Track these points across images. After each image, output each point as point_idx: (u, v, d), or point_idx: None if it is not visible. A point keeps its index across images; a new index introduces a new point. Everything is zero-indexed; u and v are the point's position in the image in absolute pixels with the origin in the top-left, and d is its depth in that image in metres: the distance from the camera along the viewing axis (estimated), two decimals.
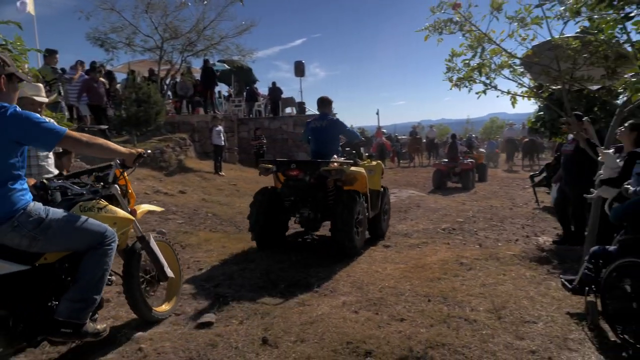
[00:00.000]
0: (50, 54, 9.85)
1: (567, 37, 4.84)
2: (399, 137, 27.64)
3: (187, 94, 16.70)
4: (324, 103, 6.68)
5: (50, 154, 4.08)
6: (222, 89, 22.76)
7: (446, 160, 14.66)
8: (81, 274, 2.83)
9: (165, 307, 3.93)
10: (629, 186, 4.09)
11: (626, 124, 4.56)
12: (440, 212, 9.45)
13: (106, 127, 11.27)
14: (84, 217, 2.86)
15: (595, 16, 3.86)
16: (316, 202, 5.95)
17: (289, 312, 4.00)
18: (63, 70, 12.25)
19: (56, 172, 4.02)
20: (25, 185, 2.67)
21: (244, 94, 20.83)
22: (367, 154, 7.21)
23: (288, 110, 21.52)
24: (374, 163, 6.93)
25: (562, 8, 4.20)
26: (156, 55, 15.42)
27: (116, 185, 3.34)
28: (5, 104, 2.52)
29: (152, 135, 12.66)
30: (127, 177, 3.57)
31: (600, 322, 3.70)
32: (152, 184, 9.64)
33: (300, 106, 20.92)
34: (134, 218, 3.46)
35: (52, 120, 2.87)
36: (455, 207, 10.20)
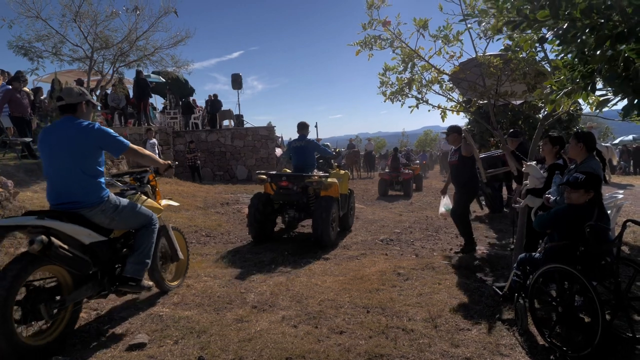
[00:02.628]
0: None
1: (490, 55, 5.11)
2: (340, 150, 28.20)
3: (119, 105, 16.09)
4: (302, 126, 8.11)
5: None
6: (157, 101, 22.14)
7: (389, 171, 16.23)
8: (137, 245, 3.99)
9: (174, 283, 4.97)
10: (549, 195, 4.34)
11: (546, 138, 4.85)
12: (378, 223, 9.61)
13: (30, 139, 10.62)
14: (138, 205, 4.09)
15: (516, 35, 4.10)
16: (300, 206, 7.63)
17: (227, 329, 3.90)
18: None
19: None
20: (104, 180, 3.80)
21: (180, 105, 20.36)
22: (336, 164, 9.04)
23: (226, 123, 21.21)
24: (342, 172, 8.46)
25: (484, 24, 4.44)
26: (85, 65, 14.68)
27: (149, 185, 4.64)
28: (91, 122, 3.73)
29: None
30: (157, 180, 4.84)
31: (530, 327, 3.87)
32: None
33: (239, 119, 20.67)
34: (162, 208, 4.69)
35: None
36: (393, 218, 10.42)
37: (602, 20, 1.99)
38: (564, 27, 2.15)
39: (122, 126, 16.00)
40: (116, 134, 3.76)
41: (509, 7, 2.69)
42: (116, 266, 3.96)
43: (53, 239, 3.20)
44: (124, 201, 3.92)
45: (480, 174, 6.76)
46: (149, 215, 4.12)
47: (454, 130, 6.46)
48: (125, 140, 3.79)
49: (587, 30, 2.07)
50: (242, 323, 4.05)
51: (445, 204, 7.32)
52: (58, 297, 3.40)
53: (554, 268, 3.57)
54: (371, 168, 26.18)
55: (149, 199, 4.45)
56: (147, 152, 4.10)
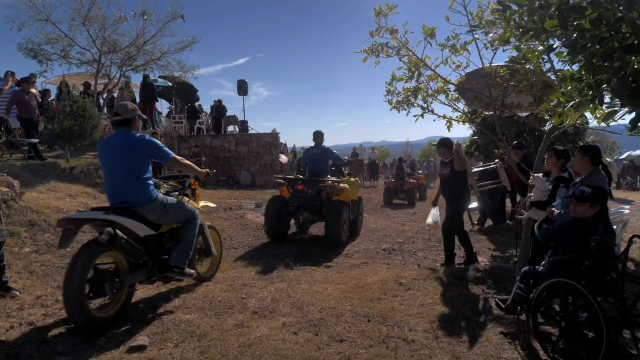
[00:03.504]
0: None
1: (496, 65, 5.10)
2: (349, 159, 28.32)
3: None
4: (318, 135, 8.79)
5: None
6: (163, 105, 22.22)
7: (394, 180, 16.83)
8: (181, 238, 4.58)
9: (207, 274, 5.54)
10: (553, 209, 4.30)
11: (551, 150, 4.82)
12: (381, 232, 9.58)
13: (37, 140, 10.67)
14: (182, 203, 4.69)
15: (523, 46, 4.09)
16: (314, 208, 8.23)
17: (227, 334, 3.88)
18: None
19: None
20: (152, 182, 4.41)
21: (185, 110, 20.43)
22: (347, 172, 9.62)
23: (230, 128, 21.27)
24: (352, 179, 9.03)
25: (491, 35, 4.43)
26: (93, 68, 14.77)
27: (190, 189, 5.32)
28: (142, 134, 4.35)
29: (87, 150, 12.07)
30: (197, 185, 5.49)
31: (532, 341, 3.83)
32: (85, 200, 9.15)
33: (243, 125, 20.72)
34: (201, 209, 5.30)
35: None
36: (395, 227, 10.38)
37: (612, 32, 1.99)
38: (573, 37, 2.14)
39: None
40: (163, 145, 4.42)
41: (516, 18, 2.68)
42: (163, 257, 4.58)
43: (117, 230, 3.96)
44: (171, 199, 4.56)
45: (473, 188, 6.74)
46: (192, 211, 4.74)
47: (443, 144, 6.42)
48: (170, 151, 4.45)
49: (596, 42, 2.06)
50: (242, 328, 4.03)
51: (434, 215, 7.38)
52: (117, 279, 4.07)
53: (558, 282, 3.53)
54: (374, 177, 26.15)
55: (190, 201, 5.10)
56: (187, 161, 4.77)
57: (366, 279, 5.70)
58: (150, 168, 4.37)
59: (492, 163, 9.54)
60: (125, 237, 4.07)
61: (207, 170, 5.09)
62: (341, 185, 8.07)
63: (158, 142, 4.38)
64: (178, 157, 4.56)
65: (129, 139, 4.26)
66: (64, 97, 10.97)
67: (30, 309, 4.34)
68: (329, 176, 8.49)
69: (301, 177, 8.79)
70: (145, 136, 4.33)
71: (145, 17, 14.54)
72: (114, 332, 3.88)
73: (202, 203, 5.60)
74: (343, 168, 9.52)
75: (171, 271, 4.47)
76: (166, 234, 4.66)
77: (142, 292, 4.98)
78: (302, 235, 9.05)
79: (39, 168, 9.79)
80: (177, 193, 4.97)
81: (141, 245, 4.27)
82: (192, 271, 4.77)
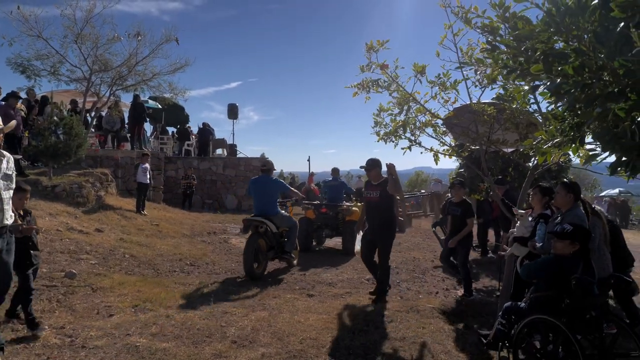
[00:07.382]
0: None
1: (484, 103, 5.20)
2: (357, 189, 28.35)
3: (112, 128, 16.05)
4: (335, 171, 11.74)
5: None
6: (149, 126, 22.15)
7: None
8: (289, 235, 7.71)
9: (295, 262, 8.10)
10: (534, 242, 4.36)
11: (536, 187, 4.90)
12: None
13: (19, 157, 10.52)
14: (290, 216, 8.14)
15: (509, 85, 4.19)
16: (333, 226, 10.67)
17: None
18: None
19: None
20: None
21: (173, 132, 20.37)
22: (354, 198, 11.88)
23: (219, 151, 21.24)
24: (359, 204, 10.73)
25: (480, 73, 4.54)
26: (82, 86, 14.70)
27: (288, 208, 8.58)
28: (275, 178, 8.43)
29: (71, 169, 11.94)
30: (292, 207, 9.11)
31: None
32: (65, 220, 9.01)
33: (232, 148, 20.72)
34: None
35: None
36: None
37: (594, 79, 2.05)
38: (557, 82, 2.22)
39: (114, 149, 15.93)
40: (286, 183, 8.39)
41: (504, 57, 2.76)
42: (278, 247, 7.58)
43: (267, 227, 7.29)
44: (285, 213, 7.92)
45: (403, 217, 6.94)
46: (295, 221, 8.05)
47: (376, 164, 6.22)
48: (288, 186, 7.99)
49: (578, 88, 2.14)
50: (220, 358, 3.95)
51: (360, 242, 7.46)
52: (263, 254, 7.34)
53: (538, 319, 3.54)
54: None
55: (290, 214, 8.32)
56: (296, 190, 8.73)
57: (349, 310, 5.65)
58: (278, 195, 7.83)
59: (418, 192, 10.90)
60: (268, 231, 7.33)
61: (304, 196, 7.67)
62: (353, 208, 10.50)
63: (283, 182, 8.18)
64: (291, 188, 8.44)
65: (269, 180, 7.64)
66: (50, 114, 10.88)
67: None
68: (344, 202, 10.99)
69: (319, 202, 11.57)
70: (277, 179, 7.97)
71: (139, 38, 14.59)
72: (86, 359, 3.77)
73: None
74: (351, 195, 12.10)
75: (285, 254, 7.57)
76: (281, 232, 7.61)
77: (119, 317, 4.88)
78: (320, 247, 11.11)
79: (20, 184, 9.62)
80: (283, 211, 7.91)
81: (272, 237, 7.41)
82: (294, 256, 7.86)
